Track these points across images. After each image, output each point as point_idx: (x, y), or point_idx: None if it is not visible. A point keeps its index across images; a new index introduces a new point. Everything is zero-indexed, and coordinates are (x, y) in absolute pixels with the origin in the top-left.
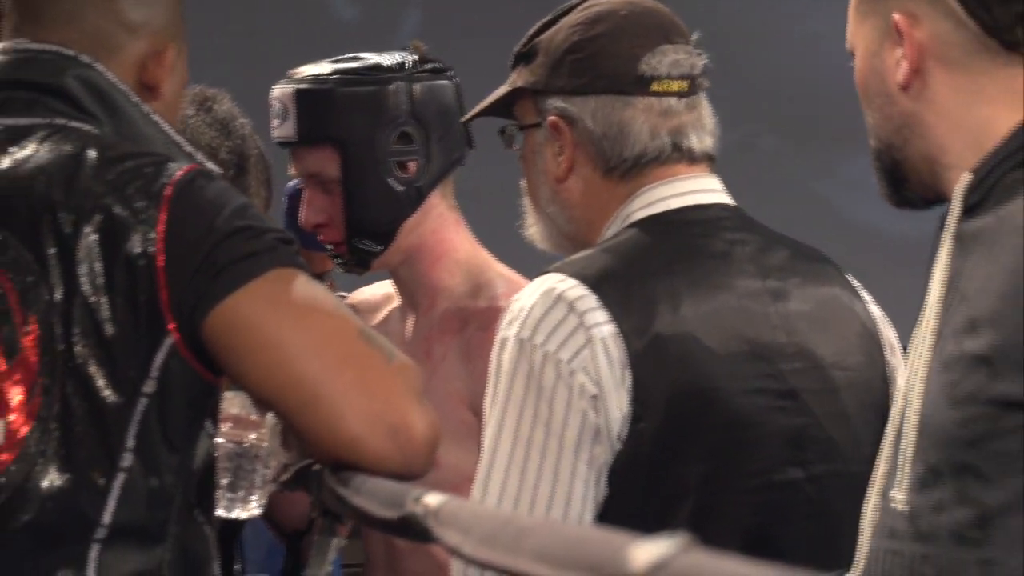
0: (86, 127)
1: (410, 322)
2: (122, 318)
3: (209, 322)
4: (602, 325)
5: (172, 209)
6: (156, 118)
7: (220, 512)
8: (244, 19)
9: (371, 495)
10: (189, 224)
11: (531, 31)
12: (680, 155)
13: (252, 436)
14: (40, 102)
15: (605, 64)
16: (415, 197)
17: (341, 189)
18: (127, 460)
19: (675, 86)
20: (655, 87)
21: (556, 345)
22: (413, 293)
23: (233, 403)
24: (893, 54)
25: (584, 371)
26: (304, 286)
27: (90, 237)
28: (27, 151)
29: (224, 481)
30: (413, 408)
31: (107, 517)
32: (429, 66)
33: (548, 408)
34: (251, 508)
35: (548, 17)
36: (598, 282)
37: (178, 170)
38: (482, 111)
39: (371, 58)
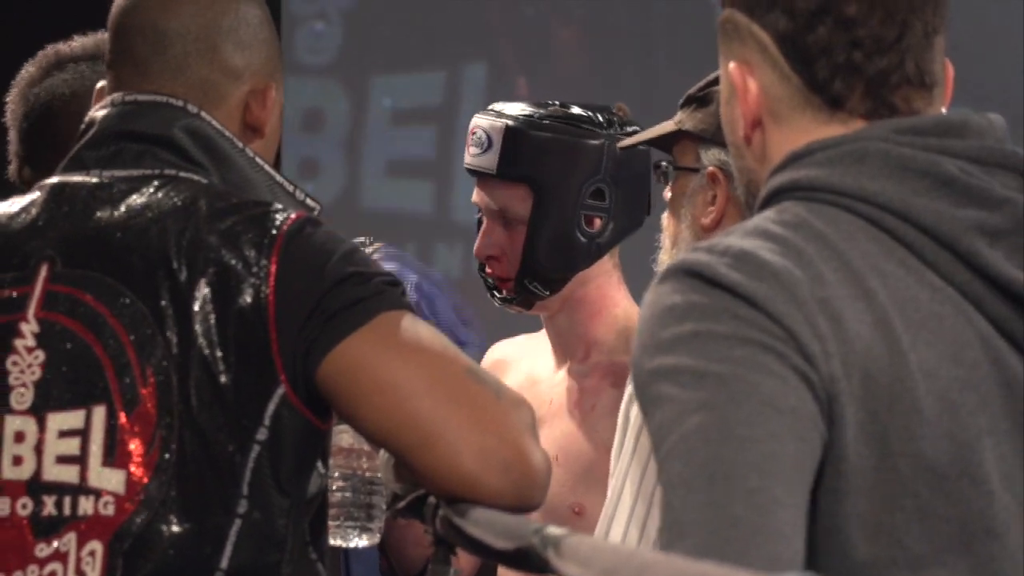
0: (195, 177)
1: (560, 370)
2: (235, 369)
3: (322, 369)
4: None
5: (282, 259)
6: (260, 161)
7: (337, 542)
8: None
9: (488, 526)
10: (299, 273)
11: (710, 77)
12: None
13: (365, 466)
14: (150, 153)
15: None
16: (593, 252)
17: (527, 229)
18: (242, 506)
19: None
20: None
21: None
22: (567, 342)
23: (345, 436)
24: (737, 106)
25: None
26: (412, 327)
27: (203, 289)
28: (140, 203)
29: (340, 512)
30: (526, 443)
31: (225, 562)
32: (631, 129)
33: None
34: (367, 538)
35: None
36: None
37: (287, 219)
38: (643, 142)
39: (578, 110)
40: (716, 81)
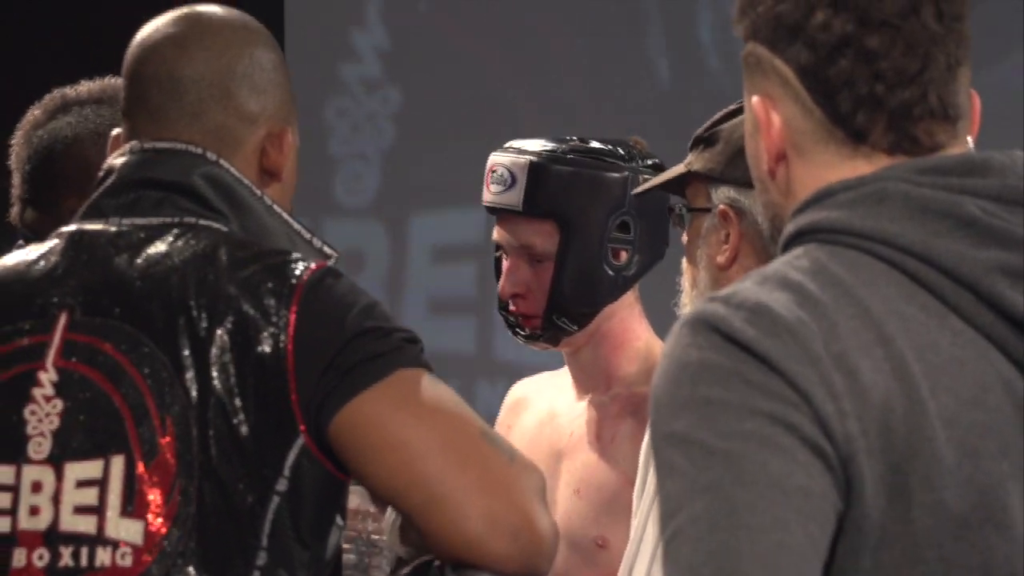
0: (215, 225)
1: (581, 403)
2: (255, 419)
3: (335, 422)
4: None
5: (302, 309)
6: (277, 209)
7: None
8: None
9: None
10: (319, 324)
11: (716, 116)
12: None
13: (370, 528)
14: (169, 200)
15: None
16: (620, 285)
17: (554, 265)
18: (261, 558)
19: None
20: None
21: None
22: (590, 376)
23: (353, 496)
24: (761, 140)
25: None
26: (428, 386)
27: (223, 338)
28: (160, 251)
29: (345, 574)
30: (535, 510)
31: None
32: (651, 162)
33: None
34: None
35: (734, 106)
36: None
37: (307, 270)
38: (656, 186)
39: (598, 144)
40: (722, 120)
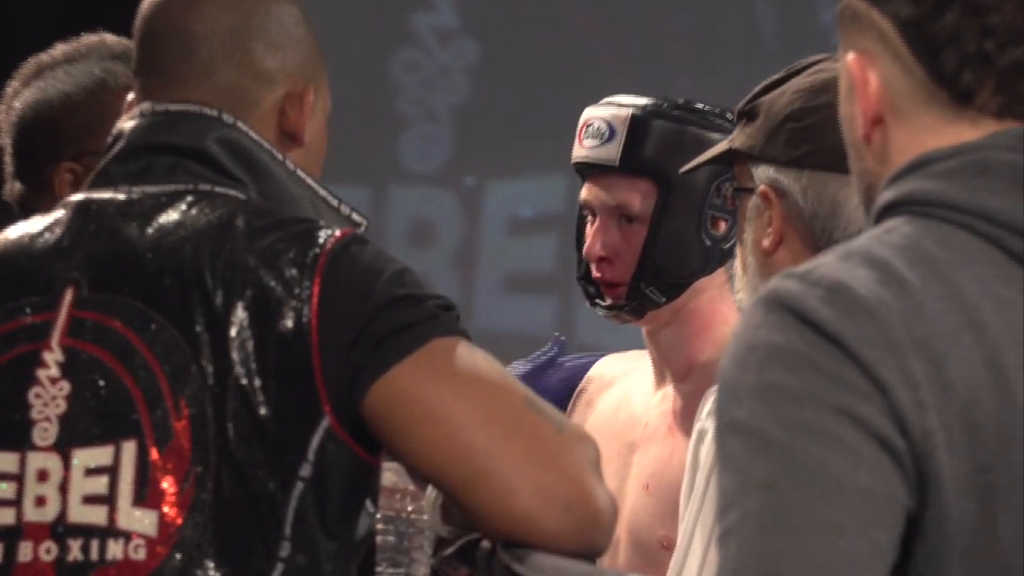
0: (232, 192)
1: (659, 391)
2: (276, 400)
3: (368, 398)
4: None
5: (326, 280)
6: (301, 174)
7: None
8: None
9: (557, 573)
10: (344, 295)
11: (758, 88)
12: None
13: (410, 508)
14: (182, 166)
15: (825, 137)
16: (717, 258)
17: (648, 228)
18: (285, 549)
19: None
20: None
21: None
22: (669, 360)
23: (388, 474)
24: (856, 102)
25: None
26: (467, 355)
27: (241, 313)
28: (173, 221)
29: (382, 557)
30: (589, 481)
31: None
32: None
33: None
34: None
35: (778, 75)
36: None
37: (331, 237)
38: (704, 164)
39: (702, 105)
40: (764, 92)
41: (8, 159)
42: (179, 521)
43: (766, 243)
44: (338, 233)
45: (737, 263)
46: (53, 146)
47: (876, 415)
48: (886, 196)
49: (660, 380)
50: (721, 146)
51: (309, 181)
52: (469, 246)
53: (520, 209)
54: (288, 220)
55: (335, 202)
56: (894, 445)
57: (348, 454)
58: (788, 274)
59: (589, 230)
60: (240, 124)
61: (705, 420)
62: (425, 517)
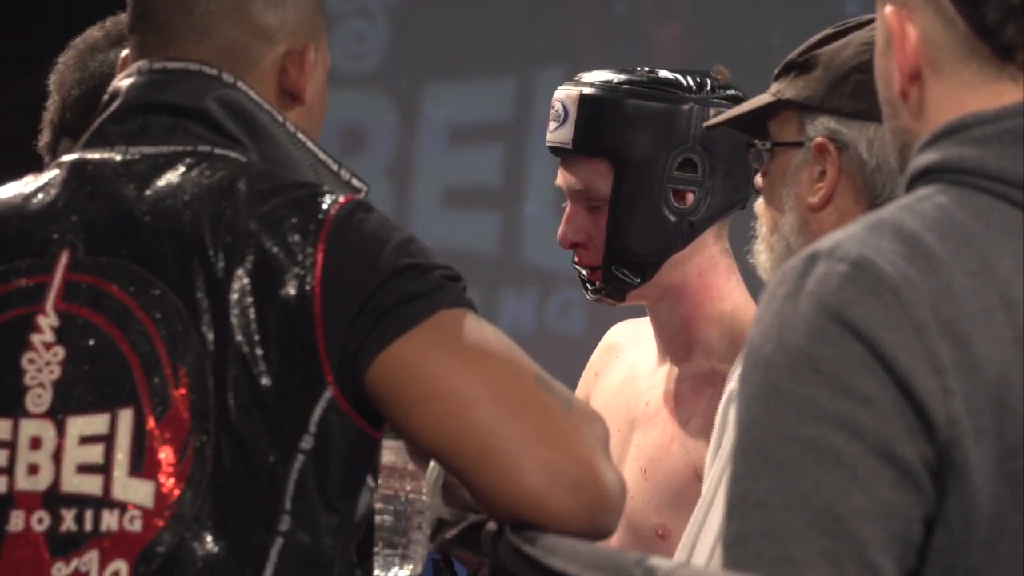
0: (232, 154)
1: (661, 369)
2: (278, 369)
3: (373, 371)
4: None
5: (330, 247)
6: (302, 137)
7: (376, 571)
8: None
9: (570, 556)
10: (349, 263)
11: (812, 41)
12: None
13: (409, 488)
14: (181, 127)
15: None
16: (686, 232)
17: (608, 209)
18: (285, 523)
19: None
20: None
21: None
22: (669, 337)
23: (388, 452)
24: (893, 56)
25: None
26: (475, 328)
27: (242, 279)
28: (171, 183)
29: (379, 538)
30: (598, 461)
31: None
32: (730, 92)
33: None
34: (409, 567)
35: (832, 29)
36: None
37: (335, 203)
38: (733, 119)
39: (666, 73)
40: (819, 44)
41: (59, 111)
42: (176, 493)
43: (813, 199)
44: (342, 199)
45: (761, 225)
46: None
47: (878, 422)
48: (920, 161)
49: (663, 355)
50: (760, 99)
51: (310, 144)
52: (405, 156)
53: (462, 116)
54: (291, 184)
55: (335, 166)
56: (899, 453)
57: (351, 427)
58: (814, 253)
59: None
60: (240, 84)
61: (736, 383)
62: (424, 498)
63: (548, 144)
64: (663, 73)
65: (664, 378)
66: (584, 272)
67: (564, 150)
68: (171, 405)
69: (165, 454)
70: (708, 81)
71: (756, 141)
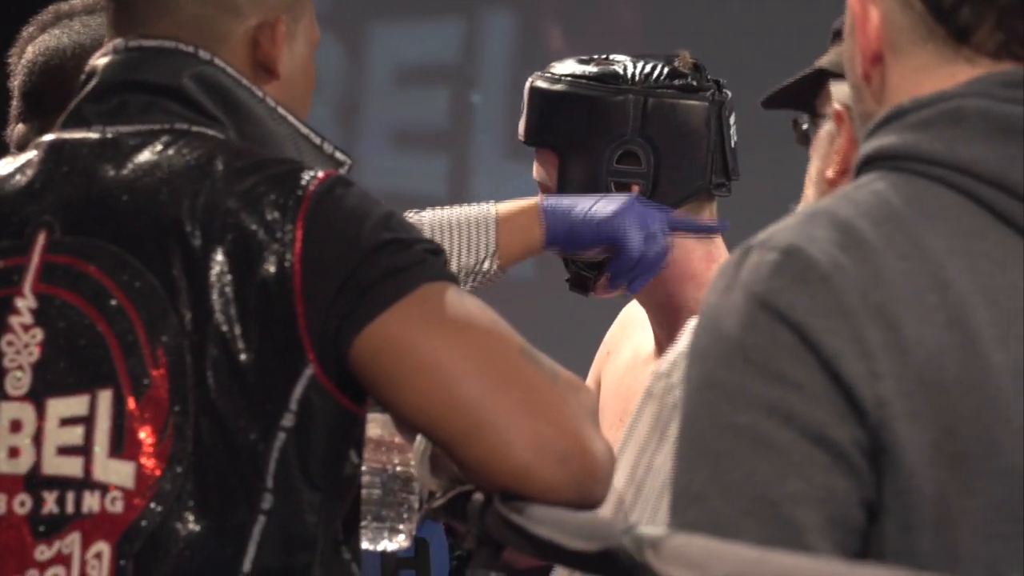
0: (209, 132)
1: (658, 358)
2: (258, 347)
3: (356, 347)
4: None
5: (309, 224)
6: (282, 112)
7: (365, 544)
8: None
9: (558, 525)
10: (329, 240)
11: None
12: None
13: (396, 461)
14: (158, 105)
15: None
16: None
17: None
18: (267, 502)
19: None
20: None
21: None
22: (658, 325)
23: (374, 425)
24: (856, 39)
25: None
26: (458, 301)
27: (220, 257)
28: (148, 161)
29: (367, 511)
30: (586, 432)
31: (248, 564)
32: (678, 82)
33: None
34: (399, 540)
35: None
36: None
37: (314, 179)
38: (781, 96)
39: (617, 64)
40: None
41: (15, 102)
42: (157, 473)
43: (830, 172)
44: (321, 174)
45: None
46: (61, 95)
47: (809, 407)
48: (865, 148)
49: (659, 345)
50: (816, 65)
51: (291, 119)
52: (352, 97)
53: (410, 56)
54: (269, 161)
55: (318, 140)
56: (831, 437)
57: (332, 404)
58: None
59: None
60: (218, 61)
61: (654, 380)
62: (412, 470)
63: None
64: (616, 63)
65: (657, 356)
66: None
67: (525, 142)
68: (150, 385)
69: (145, 434)
70: (659, 69)
71: (798, 119)
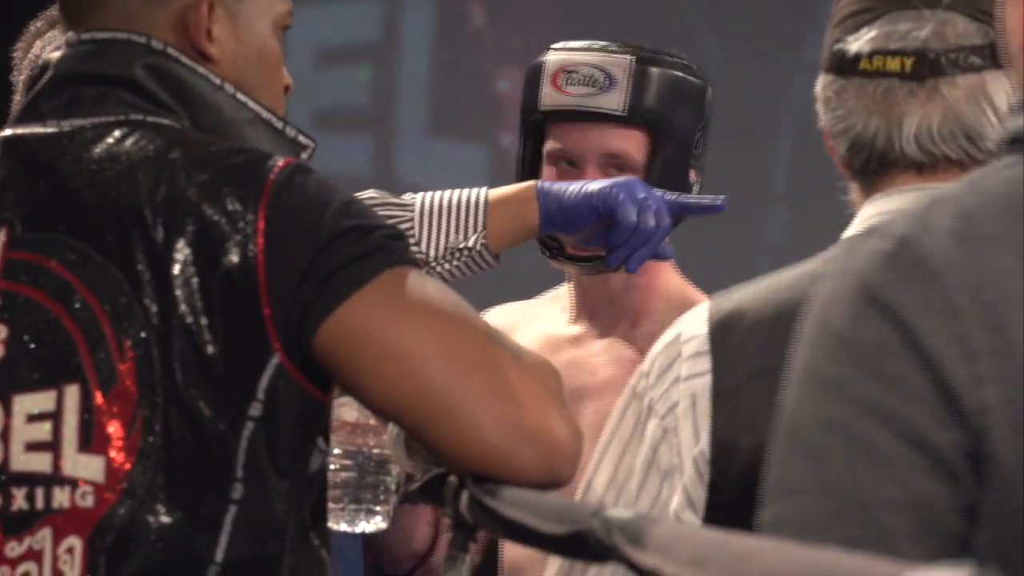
0: (165, 122)
1: (603, 340)
2: (223, 338)
3: (320, 336)
4: None
5: (271, 212)
6: (242, 97)
7: (342, 527)
8: None
9: (530, 508)
10: (291, 228)
11: None
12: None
13: (372, 443)
14: (112, 96)
15: (827, 37)
16: None
17: (644, 176)
18: (237, 491)
19: (893, 64)
20: (863, 66)
21: None
22: (616, 307)
23: (347, 409)
24: (1020, 6)
25: None
26: (420, 286)
27: (184, 249)
28: (106, 154)
29: (344, 494)
30: (552, 412)
31: (220, 554)
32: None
33: None
34: (376, 521)
35: None
36: None
37: (274, 168)
38: None
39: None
40: None
41: (17, 96)
42: (127, 466)
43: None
44: (281, 162)
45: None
46: None
47: (909, 409)
48: (1009, 125)
49: (597, 326)
50: None
51: (251, 104)
52: None
53: (329, 36)
54: (228, 151)
55: (279, 124)
56: (930, 441)
57: (299, 392)
58: (872, 228)
59: (558, 177)
60: (171, 50)
61: (637, 378)
62: (387, 452)
63: (572, 107)
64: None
65: (610, 346)
66: (553, 241)
67: (604, 116)
68: (117, 379)
69: (114, 428)
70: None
71: None
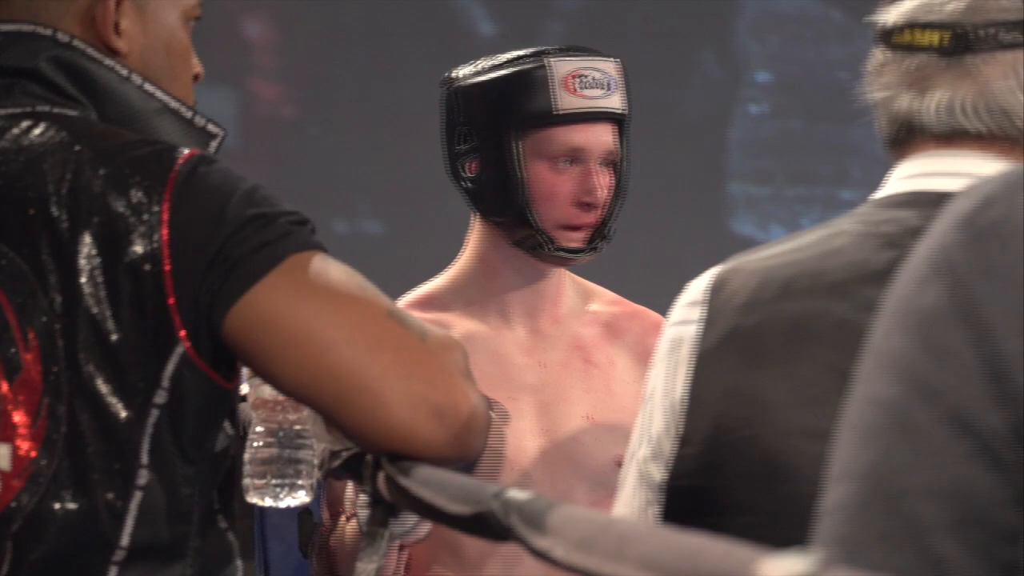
0: (71, 113)
1: (528, 329)
2: (128, 328)
3: (228, 322)
4: None
5: (175, 203)
6: (150, 87)
7: (266, 502)
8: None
9: (440, 487)
10: (195, 219)
11: None
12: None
13: (292, 419)
14: (19, 87)
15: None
16: None
17: (616, 171)
18: (143, 477)
19: (925, 38)
20: (896, 39)
21: None
22: (552, 299)
23: (265, 388)
24: None
25: None
26: (324, 269)
27: (89, 240)
28: (11, 146)
29: (266, 469)
30: (458, 386)
31: (125, 539)
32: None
33: None
34: (300, 495)
35: None
36: None
37: (178, 159)
38: None
39: None
40: None
41: None
42: (33, 454)
43: None
44: (185, 153)
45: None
46: None
47: (957, 384)
48: None
49: (522, 318)
50: None
51: (159, 94)
52: None
53: None
54: (132, 143)
55: (188, 114)
56: (977, 423)
57: (204, 379)
58: (960, 192)
59: (560, 178)
60: (77, 42)
61: (670, 327)
62: (307, 428)
63: (590, 109)
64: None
65: (537, 337)
66: (548, 237)
67: (610, 115)
68: (22, 369)
69: (19, 417)
70: None
71: None
